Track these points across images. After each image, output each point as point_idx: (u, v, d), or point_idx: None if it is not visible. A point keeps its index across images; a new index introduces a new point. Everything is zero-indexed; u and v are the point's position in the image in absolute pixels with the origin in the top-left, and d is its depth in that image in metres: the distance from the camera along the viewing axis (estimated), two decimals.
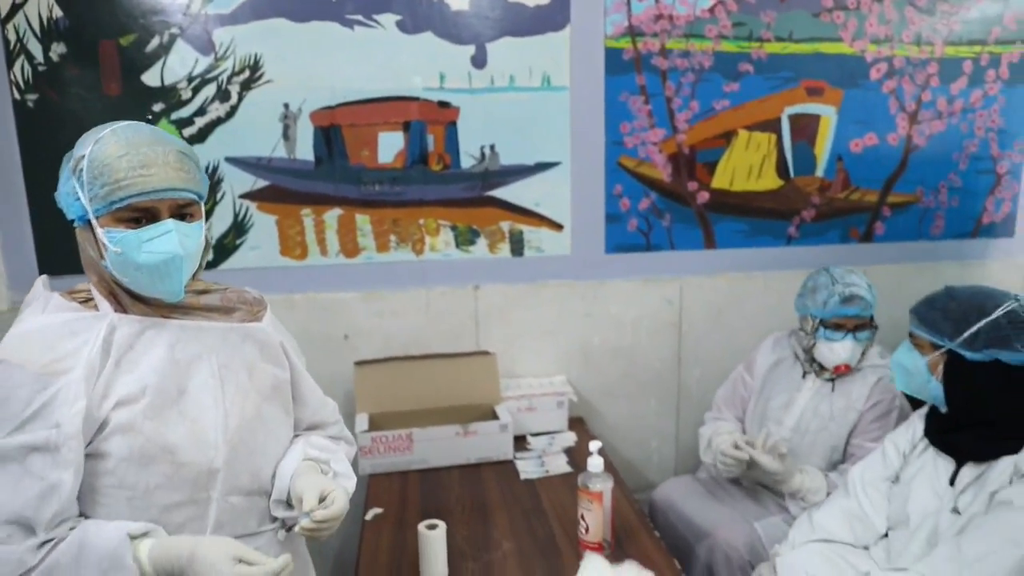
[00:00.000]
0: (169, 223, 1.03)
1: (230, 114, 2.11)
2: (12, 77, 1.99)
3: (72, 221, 1.06)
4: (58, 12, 1.97)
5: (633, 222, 2.40)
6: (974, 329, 1.45)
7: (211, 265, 2.15)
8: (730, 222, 2.46)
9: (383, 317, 2.29)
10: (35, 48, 1.98)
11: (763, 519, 1.94)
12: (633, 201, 2.38)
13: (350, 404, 2.18)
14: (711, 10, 2.30)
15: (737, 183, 2.43)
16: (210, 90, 2.08)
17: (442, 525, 1.53)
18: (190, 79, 2.07)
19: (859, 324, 1.96)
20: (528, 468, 2.04)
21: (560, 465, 2.05)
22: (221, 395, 1.11)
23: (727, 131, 2.39)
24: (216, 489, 1.09)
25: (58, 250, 2.09)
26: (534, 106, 2.25)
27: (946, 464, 1.51)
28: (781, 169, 2.45)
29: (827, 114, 2.44)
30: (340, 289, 2.26)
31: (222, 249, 2.18)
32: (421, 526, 1.53)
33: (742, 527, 1.91)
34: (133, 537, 0.99)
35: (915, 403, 1.78)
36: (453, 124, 2.22)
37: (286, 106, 2.12)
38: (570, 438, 2.24)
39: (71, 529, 0.99)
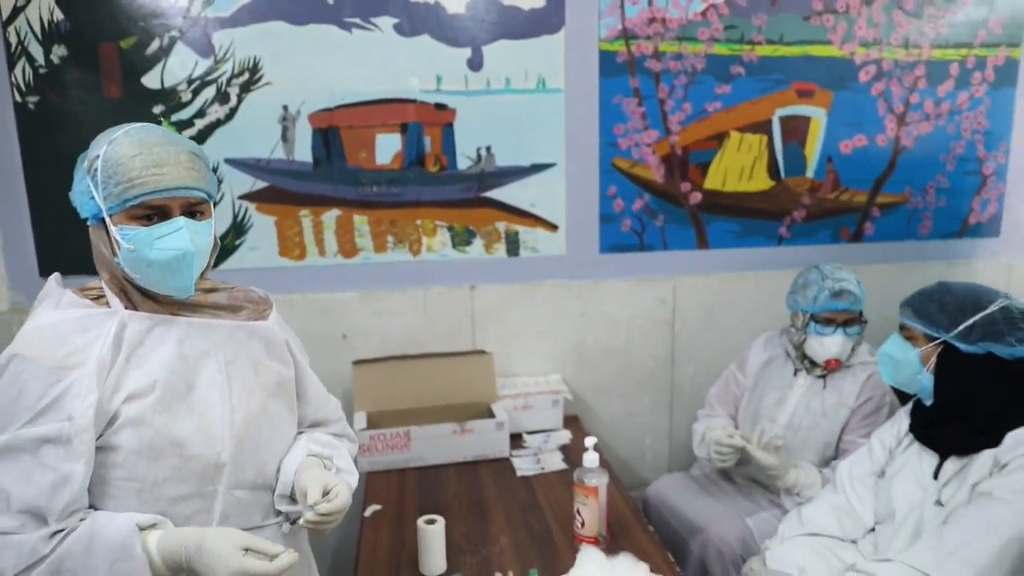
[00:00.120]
0: (180, 220, 1.06)
1: (229, 116, 2.13)
2: (13, 79, 2.01)
3: (85, 220, 1.09)
4: (59, 15, 1.99)
5: (627, 222, 2.43)
6: (970, 322, 1.49)
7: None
8: (722, 222, 2.50)
9: (381, 317, 2.31)
10: (36, 51, 2.00)
11: (755, 515, 1.97)
12: (627, 202, 2.41)
13: (348, 403, 2.20)
14: (703, 13, 2.34)
15: (729, 184, 2.47)
16: (210, 92, 2.11)
17: (441, 520, 1.56)
18: (190, 81, 2.09)
19: (849, 319, 2.00)
20: (524, 465, 2.07)
21: (555, 462, 2.08)
22: (228, 391, 1.14)
23: (719, 133, 2.43)
24: (222, 483, 1.12)
25: (58, 251, 2.11)
26: (529, 108, 2.28)
27: (930, 458, 1.55)
28: (772, 170, 2.49)
29: (817, 116, 2.48)
30: (338, 289, 2.28)
31: (221, 250, 2.20)
32: (420, 521, 1.55)
33: (734, 523, 1.94)
34: (142, 528, 1.01)
35: (903, 399, 1.82)
36: (450, 126, 2.25)
37: (285, 108, 2.15)
38: (565, 436, 2.27)
39: (81, 520, 1.01)
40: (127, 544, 0.99)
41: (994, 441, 1.43)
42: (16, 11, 1.98)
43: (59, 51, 2.01)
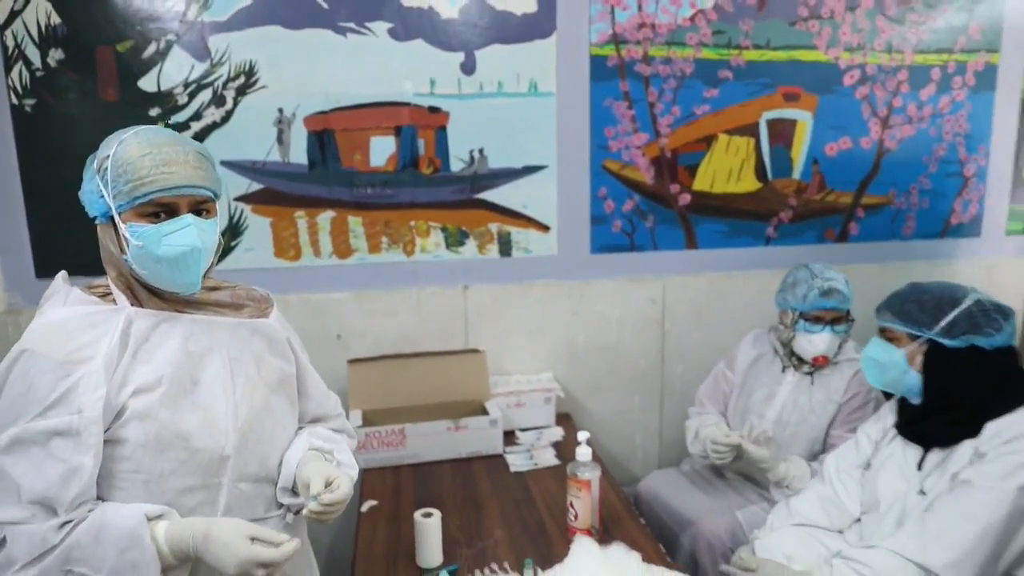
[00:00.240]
0: (188, 217, 1.09)
1: (225, 119, 2.15)
2: (10, 82, 2.03)
3: (94, 218, 1.12)
4: (56, 19, 2.01)
5: (617, 223, 2.47)
6: (950, 317, 1.54)
7: None
8: (711, 223, 2.54)
9: (375, 316, 2.34)
10: (33, 54, 2.02)
11: (744, 508, 2.01)
12: (617, 203, 2.45)
13: (344, 401, 2.18)
14: (692, 19, 2.38)
15: (717, 185, 2.52)
16: (206, 95, 2.13)
17: (437, 513, 1.58)
18: (186, 85, 2.11)
19: (837, 317, 2.04)
20: (517, 461, 2.10)
21: (548, 458, 2.12)
22: (231, 386, 1.17)
23: (707, 135, 2.47)
24: (226, 475, 1.15)
25: (54, 253, 2.13)
26: (522, 111, 2.32)
27: (914, 451, 1.59)
28: (759, 172, 2.54)
29: (803, 119, 2.53)
30: (333, 289, 2.31)
31: None
32: (417, 514, 1.58)
33: (724, 516, 1.98)
34: (150, 519, 1.04)
35: (888, 394, 1.86)
36: (443, 129, 2.28)
37: (280, 111, 2.18)
38: (557, 433, 2.30)
39: (90, 511, 1.03)
40: (136, 534, 1.01)
41: (974, 432, 1.48)
42: (13, 15, 1.99)
43: (56, 54, 2.03)
